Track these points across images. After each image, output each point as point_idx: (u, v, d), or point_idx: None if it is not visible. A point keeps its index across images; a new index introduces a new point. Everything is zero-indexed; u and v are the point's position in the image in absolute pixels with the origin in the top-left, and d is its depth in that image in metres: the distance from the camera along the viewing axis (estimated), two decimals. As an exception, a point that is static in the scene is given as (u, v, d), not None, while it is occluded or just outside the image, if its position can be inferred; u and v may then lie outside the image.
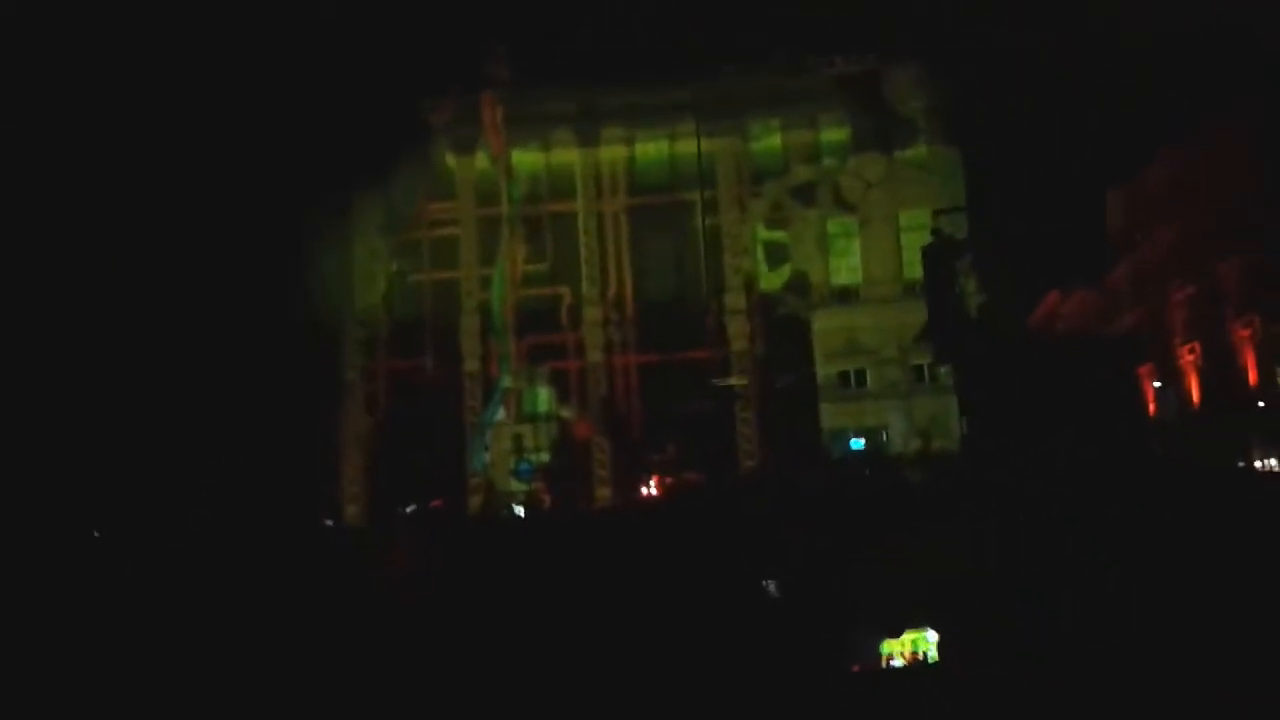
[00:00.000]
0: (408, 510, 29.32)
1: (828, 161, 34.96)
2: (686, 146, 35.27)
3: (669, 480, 29.34)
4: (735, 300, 33.91)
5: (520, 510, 28.28)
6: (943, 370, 29.84)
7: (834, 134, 35.15)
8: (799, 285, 34.18)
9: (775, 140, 35.74)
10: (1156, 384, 27.64)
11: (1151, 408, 27.83)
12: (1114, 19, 30.57)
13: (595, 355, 34.17)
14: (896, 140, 34.13)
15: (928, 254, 29.81)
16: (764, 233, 34.92)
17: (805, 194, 34.67)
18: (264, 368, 31.00)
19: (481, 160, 35.35)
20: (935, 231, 30.04)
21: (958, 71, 32.35)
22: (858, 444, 31.27)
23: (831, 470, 28.25)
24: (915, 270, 31.73)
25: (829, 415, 32.29)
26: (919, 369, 32.11)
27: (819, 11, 34.01)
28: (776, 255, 34.78)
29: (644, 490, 29.72)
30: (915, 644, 10.54)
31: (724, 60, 33.92)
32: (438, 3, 34.64)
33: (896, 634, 10.77)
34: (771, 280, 34.49)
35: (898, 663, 10.47)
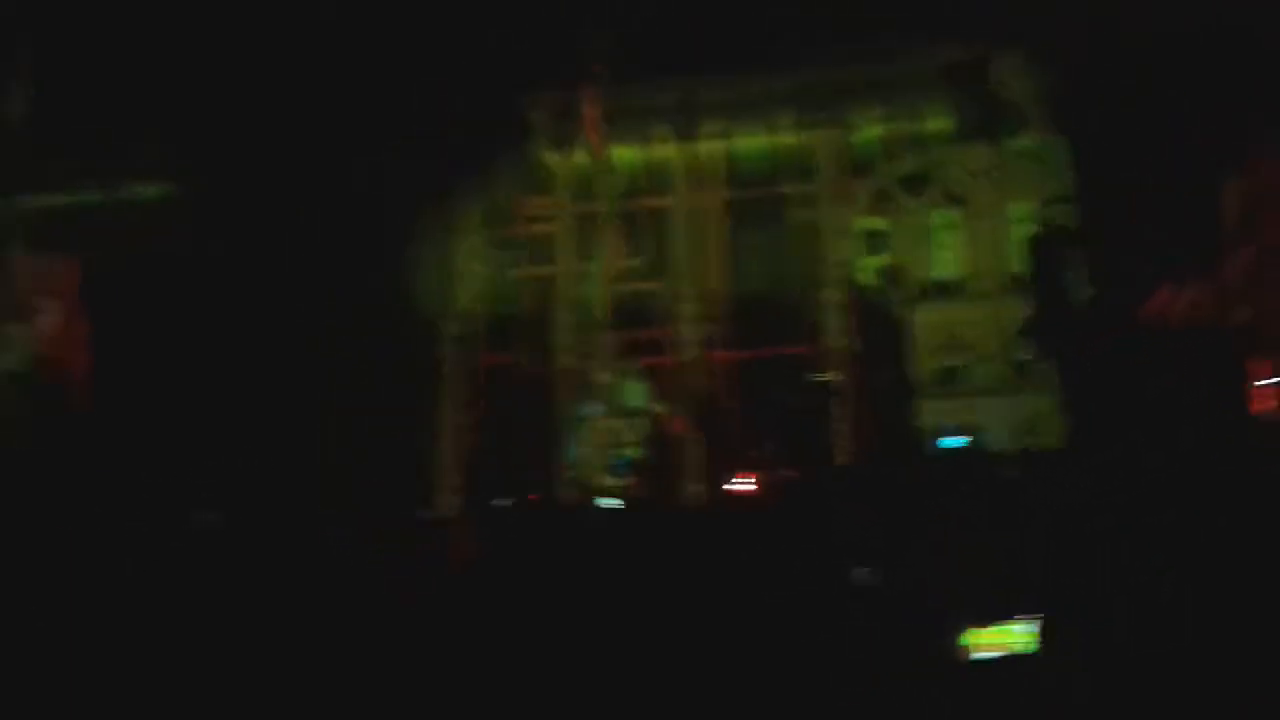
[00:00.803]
0: (504, 503, 29.55)
1: (931, 152, 34.13)
2: (785, 139, 34.84)
3: (764, 476, 29.00)
4: (832, 294, 33.35)
5: (611, 503, 28.29)
6: (1047, 366, 28.96)
7: (938, 123, 34.27)
8: (898, 279, 33.51)
9: (876, 131, 35.03)
10: (1273, 380, 26.34)
11: (1266, 404, 26.54)
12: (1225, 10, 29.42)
13: (690, 351, 33.94)
14: (1003, 129, 33.16)
15: (1035, 245, 29.03)
16: (864, 225, 34.30)
17: (907, 185, 33.95)
18: (365, 362, 31.61)
19: (579, 156, 35.40)
20: (1043, 222, 29.23)
21: (1067, 57, 31.35)
22: (958, 441, 30.52)
23: (930, 467, 27.62)
24: (1021, 263, 30.89)
25: (928, 412, 31.59)
26: (1022, 365, 31.27)
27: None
28: (876, 248, 34.15)
29: (738, 486, 29.42)
30: (1005, 636, 10.25)
31: (824, 49, 33.41)
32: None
33: (984, 626, 10.51)
34: (870, 274, 33.88)
35: (984, 655, 10.19)
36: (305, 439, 31.42)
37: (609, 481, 31.83)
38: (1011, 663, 9.80)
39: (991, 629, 10.23)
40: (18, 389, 32.71)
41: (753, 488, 28.90)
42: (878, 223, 34.05)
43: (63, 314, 32.95)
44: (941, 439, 30.66)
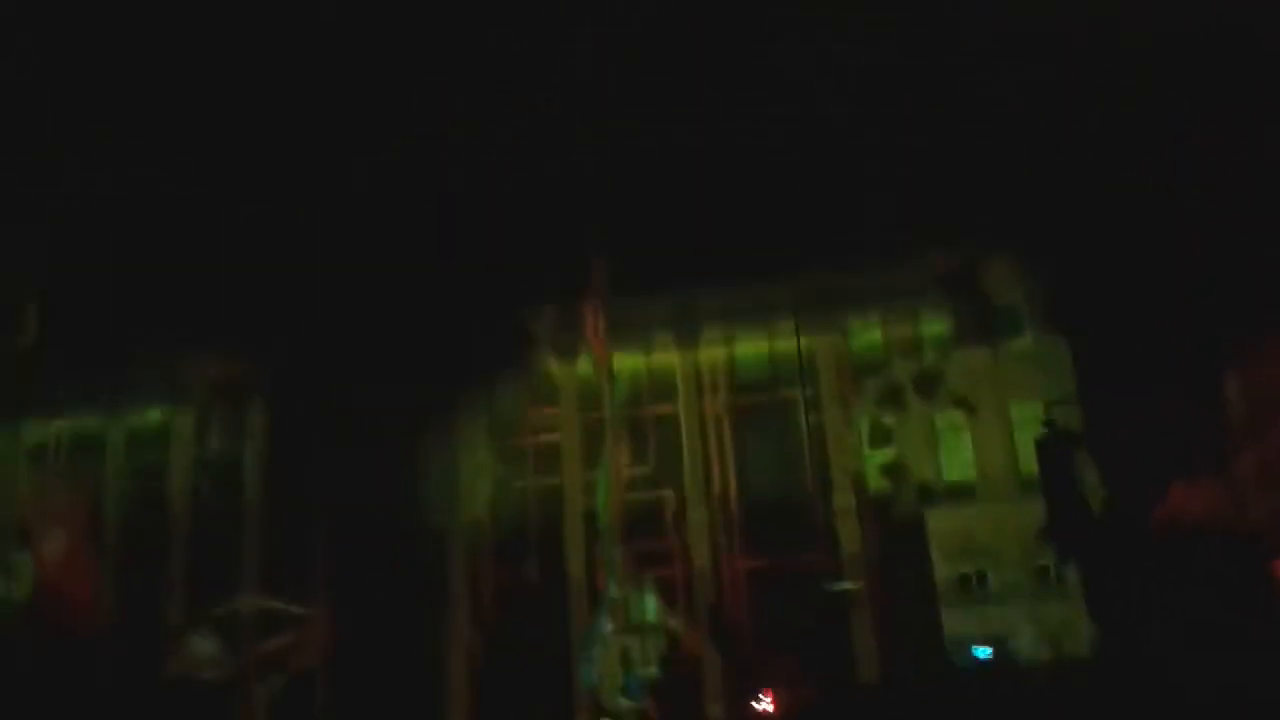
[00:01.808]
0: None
1: (931, 355, 34.58)
2: (786, 344, 35.27)
3: (783, 694, 28.18)
4: (843, 500, 33.05)
5: None
6: (1070, 571, 28.57)
7: (935, 327, 34.86)
8: (909, 483, 33.36)
9: (876, 335, 35.56)
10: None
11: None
12: (1213, 192, 30.27)
13: (701, 560, 33.44)
14: (1000, 331, 33.70)
15: (1041, 447, 29.08)
16: (870, 430, 34.41)
17: (910, 389, 34.21)
18: (374, 579, 31.15)
19: (583, 365, 35.77)
20: (1048, 424, 29.38)
21: (1058, 260, 32.15)
22: (983, 652, 29.73)
23: (956, 681, 26.91)
24: (1031, 465, 30.83)
25: (950, 621, 30.84)
26: (1044, 570, 30.83)
27: (914, 207, 34.41)
28: (884, 452, 34.13)
29: (758, 706, 28.55)
30: None
31: (819, 257, 34.24)
32: (536, 214, 35.96)
33: None
34: (880, 479, 33.75)
35: None
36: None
37: (624, 703, 30.80)
38: None
39: None
40: (18, 617, 32.12)
41: (771, 708, 28.09)
42: (883, 431, 34.15)
43: (68, 541, 32.65)
44: (966, 649, 29.90)
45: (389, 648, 30.62)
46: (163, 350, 35.39)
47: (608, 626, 32.58)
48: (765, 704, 28.08)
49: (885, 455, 33.98)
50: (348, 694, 31.23)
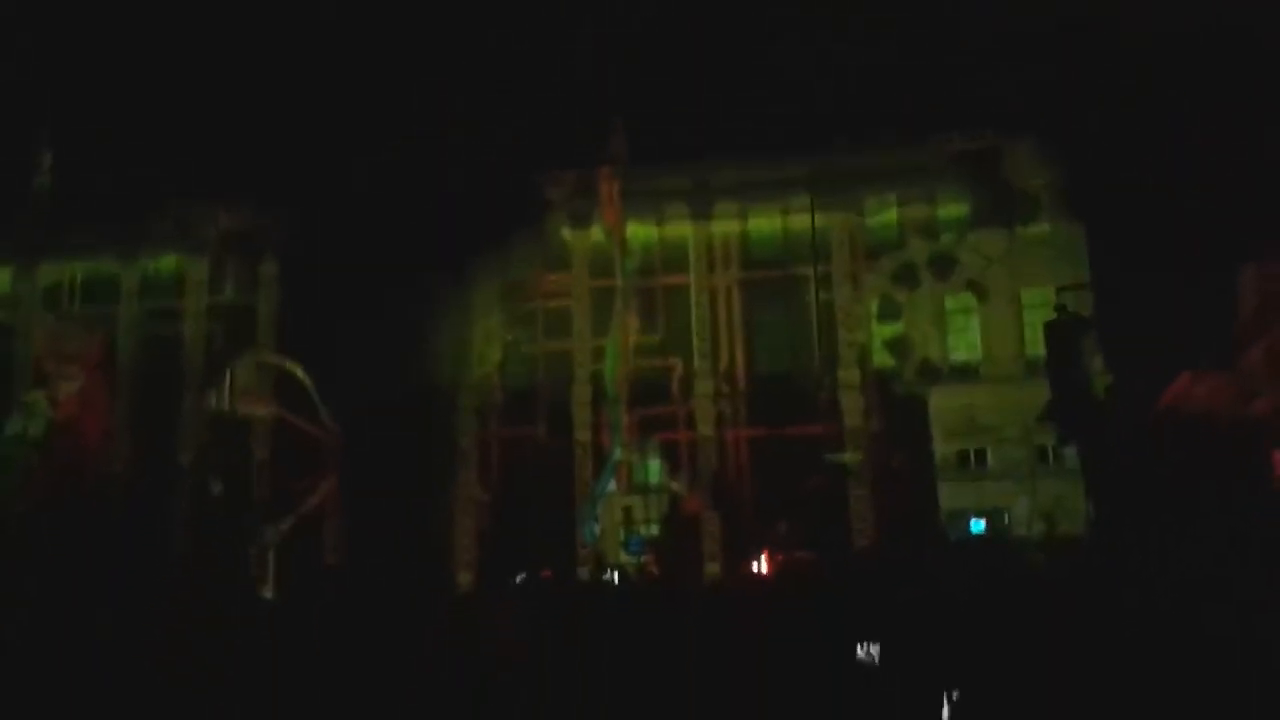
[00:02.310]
0: (518, 579, 29.34)
1: (945, 237, 34.48)
2: (800, 221, 35.16)
3: (780, 557, 28.81)
4: (849, 375, 33.36)
5: (618, 579, 28.18)
6: (1068, 451, 28.93)
7: (952, 209, 34.71)
8: (915, 361, 33.62)
9: (891, 215, 35.46)
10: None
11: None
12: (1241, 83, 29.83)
13: (706, 428, 33.91)
14: (1017, 215, 33.54)
15: (1050, 331, 29.11)
16: (879, 305, 34.54)
17: (922, 269, 34.22)
18: (382, 435, 31.57)
19: (596, 233, 35.74)
20: (1059, 308, 29.36)
21: (1079, 146, 31.82)
22: (978, 525, 30.37)
23: (950, 552, 27.42)
24: (1037, 348, 31.01)
25: (948, 495, 31.49)
26: (1043, 449, 31.28)
27: (936, 87, 33.96)
28: (893, 330, 34.31)
29: (754, 567, 29.22)
30: None
31: (839, 136, 33.92)
32: (556, 79, 35.52)
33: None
34: (886, 356, 34.01)
35: None
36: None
37: (625, 559, 31.62)
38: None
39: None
40: (35, 456, 32.65)
41: (766, 569, 28.71)
42: (893, 309, 34.26)
43: (83, 381, 32.99)
44: (962, 522, 30.52)
45: (398, 504, 31.20)
46: (178, 198, 35.43)
47: (612, 486, 33.34)
48: (761, 564, 28.72)
49: (892, 329, 34.17)
50: (357, 547, 31.92)
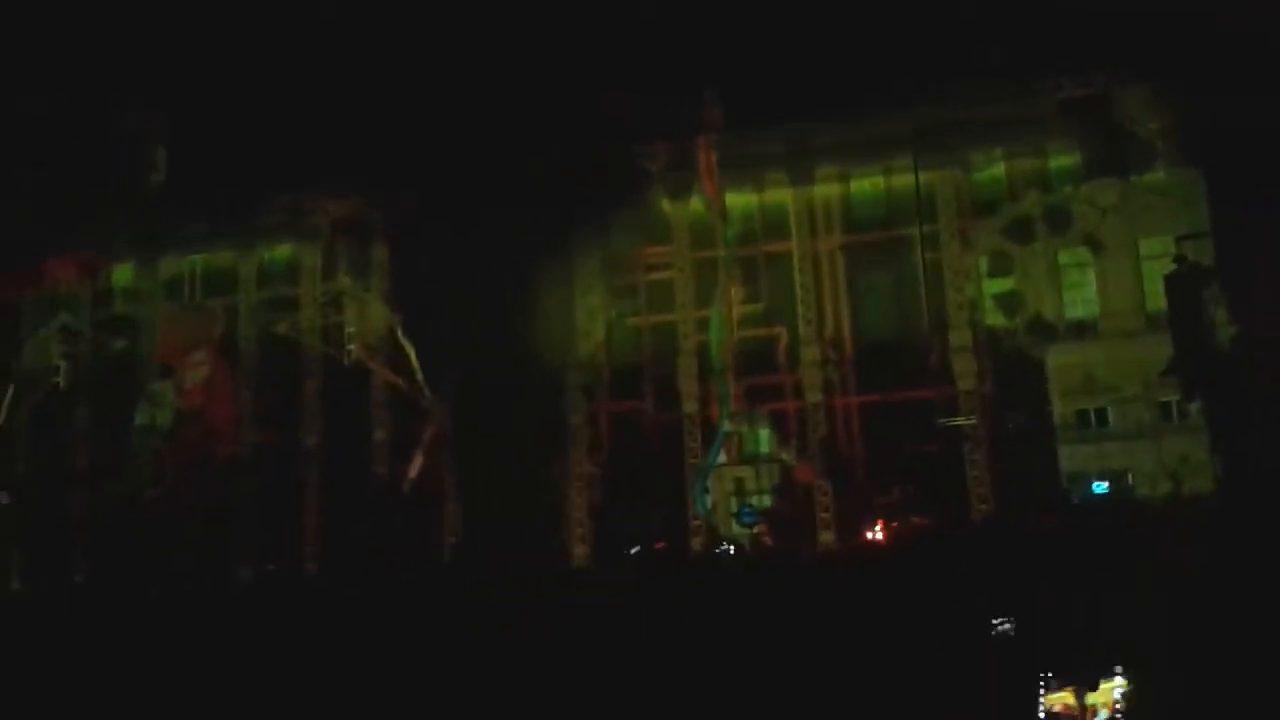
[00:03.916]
0: (633, 552, 29.66)
1: (1057, 189, 33.41)
2: (903, 180, 34.42)
3: (895, 525, 28.55)
4: (960, 337, 32.62)
5: (733, 550, 28.27)
6: (1193, 407, 28.01)
7: (1063, 160, 33.54)
8: (1030, 320, 32.75)
9: (999, 169, 34.47)
10: None
11: None
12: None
13: (814, 396, 33.55)
14: (1132, 164, 32.30)
15: (1171, 283, 28.23)
16: (990, 261, 33.69)
17: (1034, 224, 33.24)
18: (492, 415, 32.07)
19: (696, 204, 35.58)
20: (1179, 259, 28.44)
21: (1195, 88, 30.48)
22: (1101, 487, 29.56)
23: (1072, 515, 26.87)
24: (1158, 301, 30.01)
25: (1068, 457, 30.66)
26: (1166, 406, 30.26)
27: (1041, 32, 32.81)
28: (1004, 288, 33.47)
29: (869, 535, 29.02)
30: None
31: (941, 88, 33.04)
32: (651, 50, 35.30)
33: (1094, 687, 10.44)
34: (997, 315, 33.19)
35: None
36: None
37: (738, 530, 31.63)
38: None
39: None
40: (164, 443, 33.94)
41: (882, 537, 28.51)
42: (1004, 266, 33.38)
43: (208, 367, 34.20)
44: (1084, 484, 29.77)
45: (512, 483, 31.66)
46: (290, 189, 36.34)
47: (722, 458, 33.33)
48: (876, 533, 28.51)
49: (1003, 284, 33.28)
50: (472, 527, 32.51)
